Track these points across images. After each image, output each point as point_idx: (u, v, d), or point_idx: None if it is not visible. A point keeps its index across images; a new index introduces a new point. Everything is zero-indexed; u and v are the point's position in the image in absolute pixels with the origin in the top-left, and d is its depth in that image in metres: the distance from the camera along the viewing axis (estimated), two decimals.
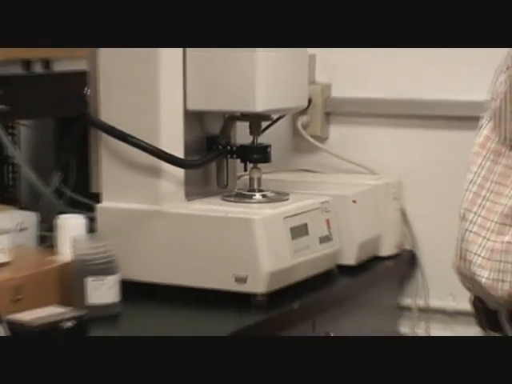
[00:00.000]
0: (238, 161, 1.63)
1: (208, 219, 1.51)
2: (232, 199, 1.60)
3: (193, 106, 1.51)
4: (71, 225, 1.51)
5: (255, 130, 1.59)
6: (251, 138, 1.59)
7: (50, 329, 1.27)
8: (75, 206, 1.72)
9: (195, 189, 1.57)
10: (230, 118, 1.61)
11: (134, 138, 1.46)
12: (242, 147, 1.61)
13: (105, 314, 1.40)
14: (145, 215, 1.52)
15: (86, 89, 1.54)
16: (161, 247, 1.52)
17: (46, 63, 1.64)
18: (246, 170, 1.62)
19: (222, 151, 1.58)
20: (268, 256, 1.46)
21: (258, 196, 1.60)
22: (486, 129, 1.23)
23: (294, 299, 1.55)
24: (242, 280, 1.45)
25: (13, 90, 1.55)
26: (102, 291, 1.40)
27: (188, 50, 1.54)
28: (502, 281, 1.14)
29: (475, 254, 1.19)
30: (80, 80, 1.55)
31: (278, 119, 1.83)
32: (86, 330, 1.30)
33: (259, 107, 1.50)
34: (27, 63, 1.60)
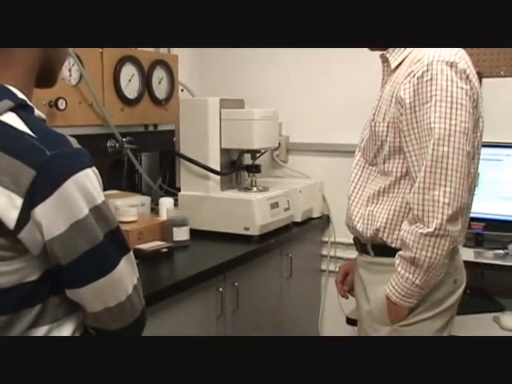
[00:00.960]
0: (246, 172, 2.39)
1: (232, 200, 2.21)
2: (243, 190, 2.32)
3: (224, 145, 2.27)
4: (166, 203, 2.23)
5: (253, 157, 2.36)
6: (251, 161, 2.36)
7: (156, 252, 1.93)
8: (169, 194, 2.42)
9: (226, 185, 2.30)
10: (242, 151, 2.33)
11: (197, 161, 2.22)
12: (247, 166, 2.36)
13: (182, 245, 2.09)
14: (202, 198, 2.25)
15: (174, 138, 2.32)
16: (208, 214, 2.23)
17: (156, 126, 2.34)
18: (249, 176, 2.36)
19: (238, 167, 2.35)
20: (259, 217, 2.16)
21: (254, 189, 2.33)
22: (358, 155, 1.65)
23: (272, 238, 2.23)
24: (247, 228, 2.16)
25: (138, 138, 2.21)
26: (181, 234, 2.10)
27: (222, 110, 2.20)
28: (367, 229, 1.57)
29: (355, 216, 1.60)
30: (171, 133, 2.32)
31: (264, 152, 2.45)
32: (173, 253, 1.98)
33: (256, 146, 2.25)
34: (146, 126, 2.30)
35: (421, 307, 1.52)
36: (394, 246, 1.52)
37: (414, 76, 1.43)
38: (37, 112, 1.01)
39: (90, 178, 0.97)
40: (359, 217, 1.58)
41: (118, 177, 2.30)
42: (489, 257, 2.24)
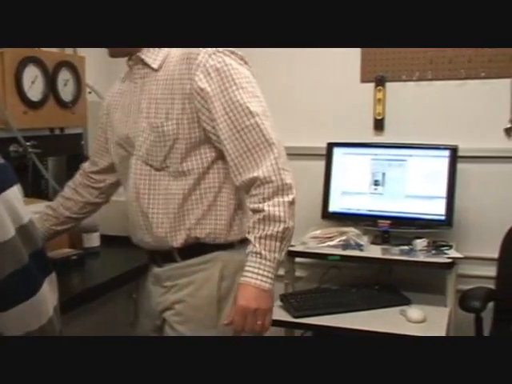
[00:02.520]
0: None
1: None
2: None
3: None
4: None
5: None
6: None
7: (65, 259, 1.89)
8: None
9: None
10: None
11: None
12: None
13: (93, 252, 2.05)
14: (112, 203, 2.03)
15: (82, 141, 2.31)
16: (120, 219, 1.99)
17: (62, 129, 2.25)
18: None
19: None
20: None
21: None
22: (136, 164, 1.58)
23: None
24: None
25: (44, 142, 2.09)
26: (91, 240, 2.07)
27: None
28: (180, 234, 1.57)
29: (162, 227, 1.57)
30: (79, 137, 2.30)
31: None
32: (83, 260, 1.93)
33: None
34: (52, 129, 2.21)
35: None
36: (212, 242, 1.56)
37: (204, 66, 1.46)
38: None
39: (16, 195, 0.93)
40: (169, 226, 1.56)
41: (22, 182, 2.09)
42: (395, 253, 2.34)
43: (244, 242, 1.52)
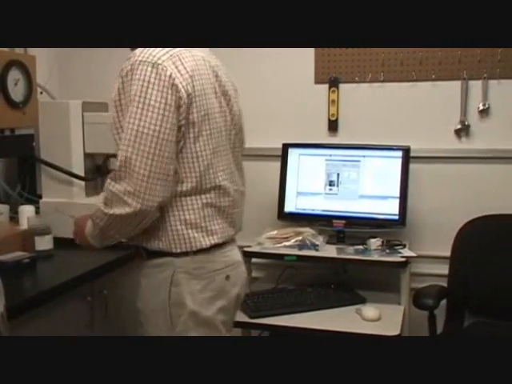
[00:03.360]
0: None
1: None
2: None
3: (88, 149, 2.22)
4: (27, 211, 2.17)
5: None
6: None
7: (16, 263, 1.85)
8: (29, 201, 2.34)
9: (91, 191, 2.27)
10: (107, 156, 2.26)
11: (59, 166, 2.17)
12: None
13: (45, 255, 2.01)
14: (65, 205, 2.16)
15: (33, 143, 2.22)
16: (66, 221, 1.92)
17: (13, 130, 2.18)
18: None
19: (103, 173, 2.25)
20: None
21: None
22: None
23: None
24: None
25: None
26: (43, 243, 2.03)
27: (85, 114, 2.18)
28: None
29: None
30: (30, 138, 2.22)
31: None
32: (35, 263, 1.90)
33: None
34: (2, 130, 2.14)
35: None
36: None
37: (119, 75, 1.47)
38: None
39: None
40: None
41: None
42: (350, 252, 2.37)
43: (199, 251, 1.54)
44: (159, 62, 1.42)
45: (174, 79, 1.43)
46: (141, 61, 1.42)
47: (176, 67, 1.44)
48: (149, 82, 1.41)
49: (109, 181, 1.45)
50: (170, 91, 1.42)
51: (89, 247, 1.63)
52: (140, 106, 1.40)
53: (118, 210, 1.43)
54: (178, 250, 1.52)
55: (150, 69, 1.41)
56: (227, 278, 1.58)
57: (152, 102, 1.40)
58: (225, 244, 1.59)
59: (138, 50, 1.45)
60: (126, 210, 1.42)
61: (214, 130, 1.54)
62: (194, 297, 1.51)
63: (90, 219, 1.55)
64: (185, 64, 1.46)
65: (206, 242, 1.54)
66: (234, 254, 1.64)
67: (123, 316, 2.04)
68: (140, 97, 1.40)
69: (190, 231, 1.52)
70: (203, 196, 1.53)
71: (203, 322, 1.53)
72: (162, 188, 1.43)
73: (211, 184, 1.54)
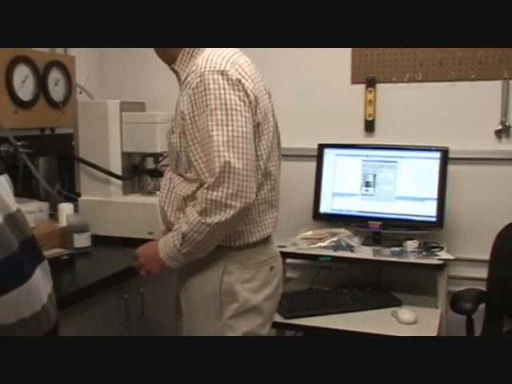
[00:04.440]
0: (148, 176, 2.38)
1: (135, 204, 2.22)
2: (146, 194, 2.31)
3: (126, 149, 2.24)
4: (66, 209, 2.20)
5: (156, 160, 2.36)
6: (155, 164, 2.38)
7: (55, 259, 1.90)
8: (68, 199, 2.36)
9: (128, 189, 2.29)
10: (144, 155, 2.33)
11: (97, 165, 2.21)
12: (150, 170, 2.36)
13: (83, 252, 2.06)
14: (103, 203, 2.23)
15: (72, 142, 2.30)
16: (111, 219, 2.20)
17: (53, 129, 2.27)
18: (152, 180, 2.36)
19: (140, 172, 2.35)
20: None
21: (157, 193, 1.99)
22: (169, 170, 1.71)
23: None
24: (151, 233, 2.12)
25: (34, 142, 2.12)
26: (82, 240, 2.07)
27: (123, 113, 2.20)
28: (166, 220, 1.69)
29: (169, 215, 1.67)
30: (70, 137, 2.29)
31: (167, 156, 2.00)
32: (74, 260, 1.96)
33: (158, 149, 2.23)
34: (43, 129, 2.24)
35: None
36: None
37: (190, 87, 1.50)
38: None
39: (3, 185, 0.94)
40: (172, 215, 1.67)
41: (13, 182, 2.17)
42: (386, 254, 2.34)
43: (252, 244, 1.64)
44: (226, 69, 1.49)
45: (243, 84, 1.51)
46: (208, 71, 1.48)
47: (239, 73, 1.52)
48: (224, 88, 1.47)
49: (205, 191, 1.48)
50: (242, 94, 1.50)
51: (157, 273, 1.65)
52: (223, 112, 1.46)
53: (222, 217, 1.48)
54: (237, 244, 1.62)
55: (220, 76, 1.48)
56: (271, 268, 1.68)
57: (234, 107, 1.47)
58: (269, 237, 1.70)
59: (200, 62, 1.51)
60: (231, 213, 1.47)
61: (270, 129, 1.61)
62: (244, 285, 1.61)
63: (174, 240, 1.56)
64: (245, 69, 1.55)
65: (260, 235, 1.64)
66: (275, 246, 1.76)
67: (160, 313, 2.07)
68: (221, 104, 1.46)
69: (247, 226, 1.62)
70: (261, 192, 1.62)
71: (251, 309, 1.63)
72: (255, 184, 1.52)
73: (266, 181, 1.63)
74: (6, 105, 2.05)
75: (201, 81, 1.48)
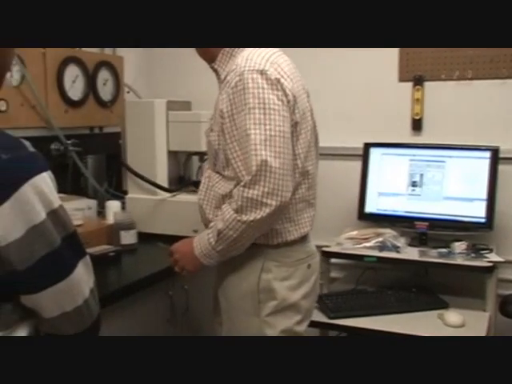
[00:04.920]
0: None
1: (181, 202, 2.23)
2: (191, 193, 2.25)
3: (172, 147, 2.24)
4: (113, 206, 2.24)
5: (201, 159, 2.32)
6: (200, 163, 2.36)
7: (103, 256, 1.93)
8: (116, 197, 2.41)
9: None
10: (189, 154, 2.33)
11: (144, 176, 2.22)
12: (195, 182, 2.30)
13: (130, 249, 2.09)
14: (149, 201, 2.26)
15: (120, 140, 2.36)
16: (157, 217, 2.21)
17: (101, 128, 2.33)
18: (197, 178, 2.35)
19: (186, 183, 2.33)
20: None
21: None
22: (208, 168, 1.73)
23: None
24: (196, 231, 2.00)
25: (83, 141, 2.20)
26: (128, 237, 2.10)
27: (169, 112, 2.20)
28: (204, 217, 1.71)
29: (208, 213, 1.69)
30: (117, 136, 2.34)
31: None
32: (120, 257, 1.97)
33: (204, 148, 1.99)
34: (91, 128, 2.29)
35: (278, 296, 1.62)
36: None
37: (229, 86, 1.52)
38: None
39: (46, 181, 0.96)
40: (210, 212, 1.68)
41: (62, 180, 2.24)
42: (433, 255, 2.29)
43: (290, 242, 1.65)
44: (265, 68, 1.50)
45: (282, 83, 1.51)
46: (248, 70, 1.50)
47: (278, 72, 1.53)
48: (263, 88, 1.48)
49: (241, 189, 1.50)
50: (281, 93, 1.50)
51: (192, 270, 1.68)
52: (262, 111, 1.47)
53: (258, 215, 1.49)
54: (275, 242, 1.62)
55: (259, 76, 1.49)
56: (309, 266, 1.70)
57: (272, 106, 1.48)
58: (307, 235, 1.71)
59: (240, 61, 1.53)
60: (267, 211, 1.48)
61: (308, 128, 1.62)
62: (282, 283, 1.62)
63: (209, 238, 1.59)
64: (284, 69, 1.55)
65: (297, 233, 1.65)
66: (311, 244, 1.77)
67: (204, 309, 2.09)
68: (259, 103, 1.47)
69: (285, 225, 1.62)
70: (298, 191, 1.63)
71: (290, 306, 1.63)
72: (291, 183, 1.52)
73: (304, 180, 1.64)
74: (57, 104, 2.10)
75: (240, 80, 1.49)
